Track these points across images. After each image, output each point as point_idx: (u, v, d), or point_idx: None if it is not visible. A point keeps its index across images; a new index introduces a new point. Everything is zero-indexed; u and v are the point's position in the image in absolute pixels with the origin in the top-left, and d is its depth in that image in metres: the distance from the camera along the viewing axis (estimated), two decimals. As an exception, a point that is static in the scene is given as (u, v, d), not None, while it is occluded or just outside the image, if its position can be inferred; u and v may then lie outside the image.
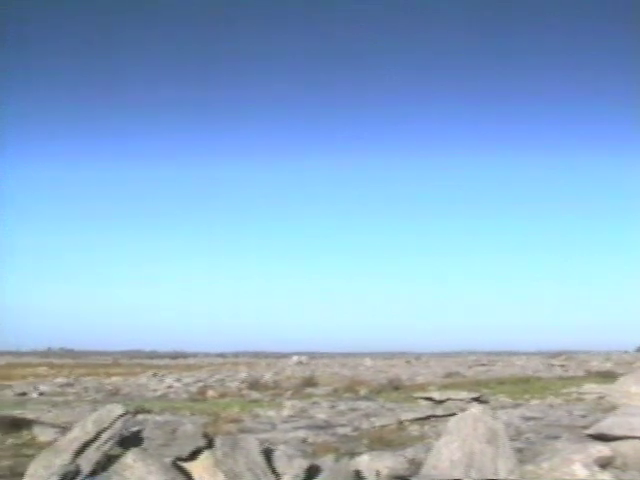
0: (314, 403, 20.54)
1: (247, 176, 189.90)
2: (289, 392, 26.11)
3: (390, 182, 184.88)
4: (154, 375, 42.19)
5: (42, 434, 12.63)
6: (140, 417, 14.58)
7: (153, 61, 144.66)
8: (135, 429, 7.24)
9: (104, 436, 5.86)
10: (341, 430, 13.93)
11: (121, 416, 6.09)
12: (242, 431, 12.79)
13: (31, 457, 10.38)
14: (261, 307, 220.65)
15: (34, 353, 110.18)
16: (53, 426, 13.39)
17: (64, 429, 12.94)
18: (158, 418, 14.42)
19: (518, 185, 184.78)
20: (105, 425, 5.93)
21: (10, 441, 12.19)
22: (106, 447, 5.88)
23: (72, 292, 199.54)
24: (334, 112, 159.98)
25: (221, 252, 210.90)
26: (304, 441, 12.20)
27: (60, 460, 5.54)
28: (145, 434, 6.98)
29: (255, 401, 22.35)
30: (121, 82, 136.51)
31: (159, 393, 27.38)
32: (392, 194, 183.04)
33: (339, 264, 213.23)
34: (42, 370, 49.05)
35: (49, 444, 11.74)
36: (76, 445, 5.68)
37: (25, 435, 12.77)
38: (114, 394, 26.46)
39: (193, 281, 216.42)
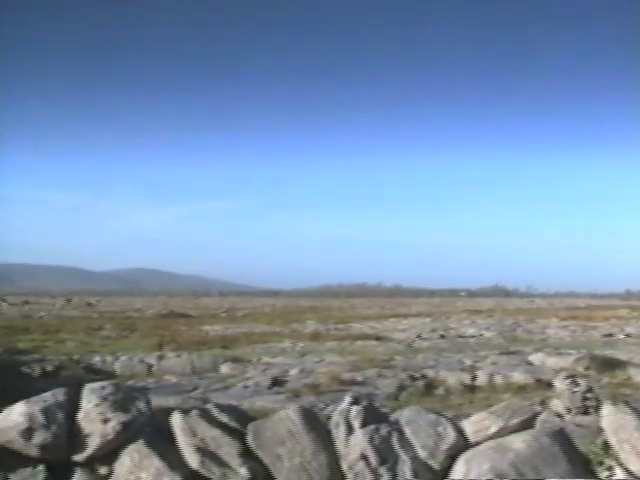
0: None
1: None
2: None
3: None
4: None
5: (638, 375, 12.71)
6: None
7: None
8: None
9: None
10: None
11: None
12: None
13: (628, 396, 10.58)
14: None
15: (612, 295, 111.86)
16: (651, 368, 13.35)
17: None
18: None
19: None
20: None
21: (605, 380, 12.57)
22: None
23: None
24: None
25: None
26: None
27: None
28: None
29: None
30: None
31: None
32: None
33: None
34: (623, 312, 49.00)
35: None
36: None
37: (619, 375, 13.00)
38: None
39: None
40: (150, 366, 16.89)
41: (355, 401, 4.52)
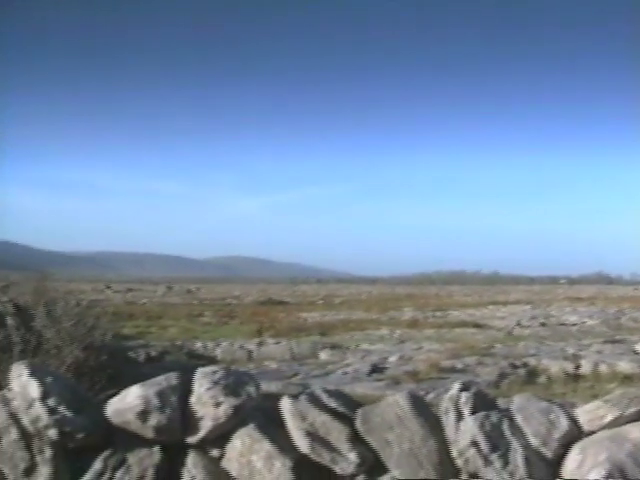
0: None
1: None
2: None
3: None
4: None
5: None
6: None
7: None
8: None
9: None
10: None
11: None
12: None
13: None
14: None
15: None
16: None
17: None
18: None
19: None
20: None
21: None
22: None
23: None
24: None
25: None
26: None
27: None
28: None
29: None
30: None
31: None
32: None
33: None
34: None
35: None
36: None
37: None
38: None
39: None
40: (250, 352, 17.28)
41: (464, 387, 4.48)
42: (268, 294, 61.34)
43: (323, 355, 16.72)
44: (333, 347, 17.77)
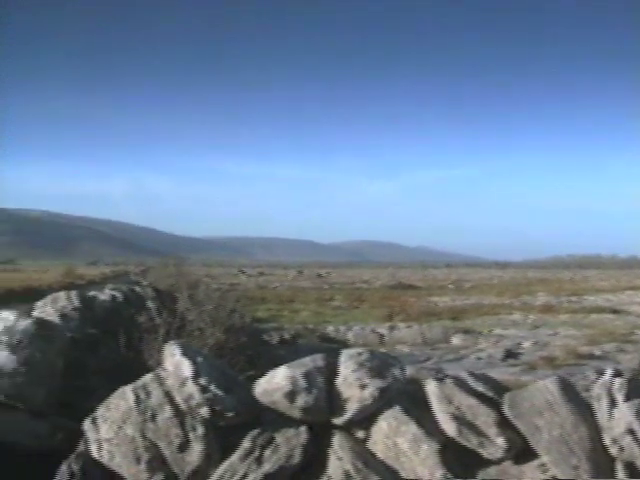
0: None
1: None
2: None
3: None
4: None
5: None
6: None
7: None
8: None
9: None
10: None
11: None
12: None
13: None
14: None
15: None
16: None
17: None
18: None
19: None
20: None
21: None
22: None
23: None
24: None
25: None
26: None
27: None
28: None
29: None
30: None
31: None
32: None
33: None
34: None
35: None
36: None
37: None
38: None
39: None
40: (382, 336, 17.33)
41: (617, 373, 4.30)
42: (398, 278, 61.27)
43: (455, 340, 16.54)
44: (465, 332, 17.54)
